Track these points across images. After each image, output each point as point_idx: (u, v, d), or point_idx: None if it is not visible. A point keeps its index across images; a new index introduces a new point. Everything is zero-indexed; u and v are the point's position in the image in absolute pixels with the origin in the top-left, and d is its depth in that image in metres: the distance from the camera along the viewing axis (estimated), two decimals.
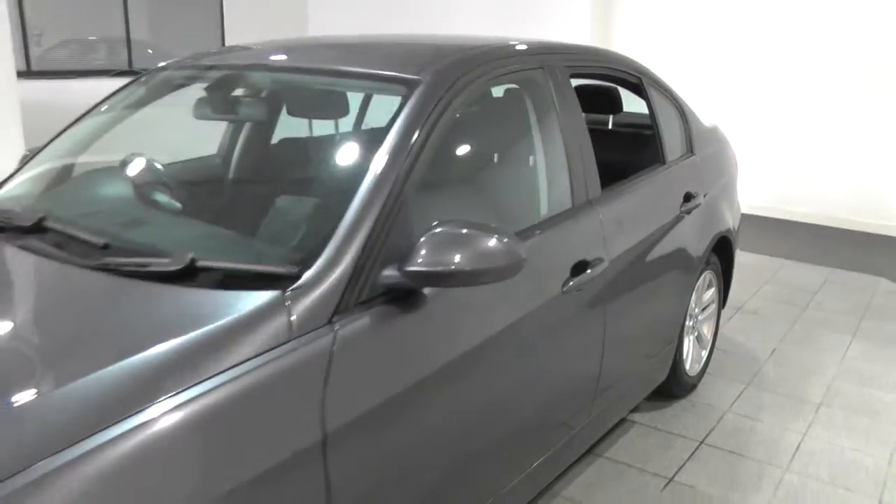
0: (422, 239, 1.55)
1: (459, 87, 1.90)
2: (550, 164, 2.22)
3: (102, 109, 2.52)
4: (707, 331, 3.40)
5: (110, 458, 1.13)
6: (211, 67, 2.38)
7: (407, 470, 1.59)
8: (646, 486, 2.64)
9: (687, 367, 3.19)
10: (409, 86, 1.85)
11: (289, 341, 1.39)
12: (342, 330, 1.46)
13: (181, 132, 2.74)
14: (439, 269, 1.52)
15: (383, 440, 1.50)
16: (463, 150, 1.96)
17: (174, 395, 1.24)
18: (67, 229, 1.80)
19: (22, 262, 1.70)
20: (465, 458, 1.80)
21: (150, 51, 8.68)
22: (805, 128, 6.34)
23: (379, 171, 1.64)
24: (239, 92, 2.18)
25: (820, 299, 4.58)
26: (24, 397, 1.21)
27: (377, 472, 1.50)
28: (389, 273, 1.55)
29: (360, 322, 1.50)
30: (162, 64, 2.63)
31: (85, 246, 1.71)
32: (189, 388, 1.26)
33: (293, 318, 1.41)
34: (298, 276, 1.48)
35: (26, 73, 7.42)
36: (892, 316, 4.33)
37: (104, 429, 1.16)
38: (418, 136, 1.73)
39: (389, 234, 1.59)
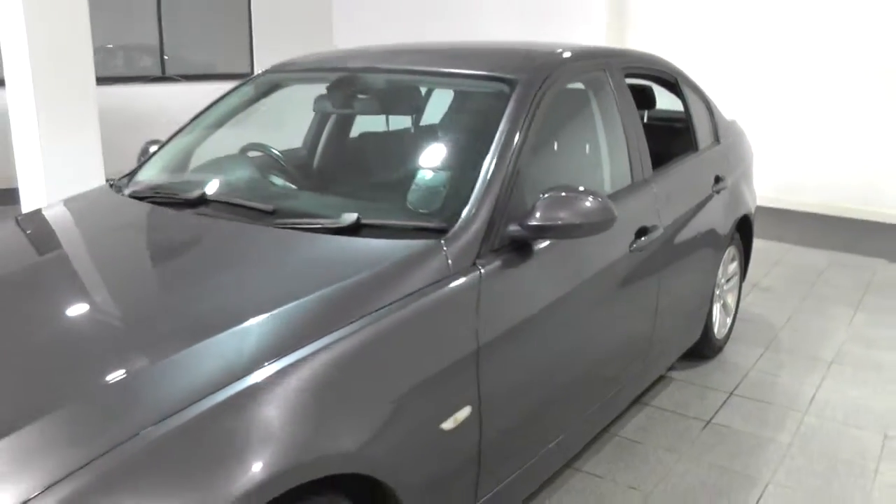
0: (537, 201, 1.99)
1: (547, 84, 2.35)
2: (613, 147, 2.67)
3: (217, 107, 2.95)
4: (731, 300, 3.85)
5: (322, 362, 1.51)
6: (319, 69, 2.83)
7: (525, 379, 2.03)
8: (689, 427, 3.09)
9: (716, 330, 3.64)
10: (510, 84, 2.30)
11: (448, 276, 1.82)
12: (484, 269, 1.90)
13: (287, 126, 3.18)
14: (552, 223, 1.95)
15: (511, 354, 1.94)
16: (551, 134, 2.40)
17: (368, 314, 1.65)
18: (233, 200, 2.23)
19: (209, 225, 2.13)
20: (558, 385, 2.24)
21: (167, 56, 9.08)
22: (807, 126, 6.82)
23: (499, 148, 2.08)
24: (360, 89, 2.62)
25: (826, 278, 5.04)
26: (256, 315, 1.60)
27: (508, 376, 1.94)
28: (513, 228, 1.99)
29: (495, 264, 1.93)
30: (270, 67, 3.07)
31: (255, 211, 2.14)
32: (378, 309, 1.68)
33: (449, 260, 1.85)
34: (447, 231, 1.92)
35: None
36: (891, 292, 4.79)
37: (315, 340, 1.55)
38: (524, 121, 2.18)
39: (510, 197, 2.03)
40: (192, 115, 3.01)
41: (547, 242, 2.10)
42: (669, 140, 3.48)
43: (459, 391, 1.77)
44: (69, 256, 2.10)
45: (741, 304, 4.32)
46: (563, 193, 1.98)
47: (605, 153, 2.65)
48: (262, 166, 2.71)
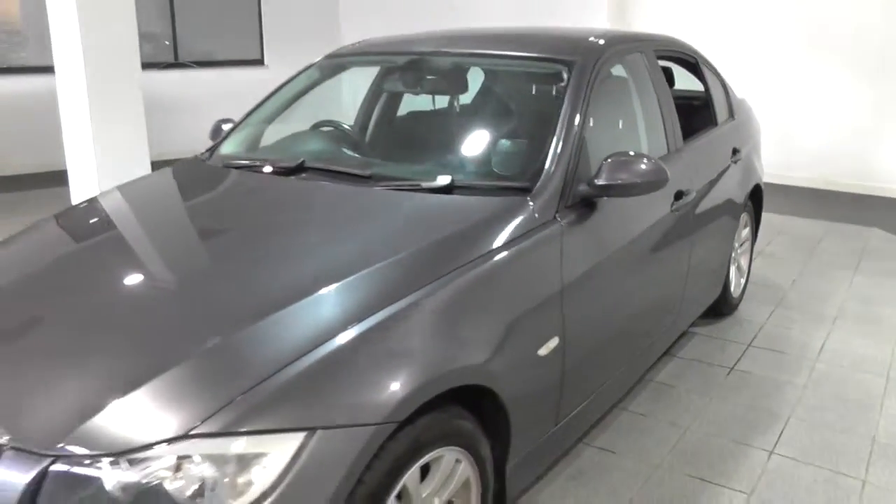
0: (602, 163, 2.31)
1: (599, 65, 2.67)
2: (651, 120, 3.00)
3: (285, 88, 3.24)
4: (744, 262, 4.21)
5: (446, 296, 1.83)
6: (386, 53, 3.14)
7: (595, 318, 2.37)
8: (715, 374, 3.44)
9: (732, 289, 3.99)
10: (569, 65, 2.62)
11: (535, 227, 2.15)
12: (562, 222, 2.22)
13: (348, 103, 3.48)
14: (615, 182, 2.28)
15: (586, 295, 2.28)
16: (602, 108, 2.71)
17: (478, 257, 1.98)
18: (331, 167, 2.54)
19: (319, 188, 2.44)
20: (617, 327, 2.58)
21: (167, 42, 9.26)
22: (798, 107, 7.20)
23: (566, 120, 2.41)
24: (431, 71, 2.93)
25: (824, 246, 5.42)
26: (389, 257, 1.91)
27: (584, 314, 2.28)
28: (582, 187, 2.31)
29: (570, 218, 2.26)
30: (333, 51, 3.36)
31: (353, 177, 2.45)
32: (484, 254, 2.00)
33: (536, 213, 2.17)
34: (530, 189, 2.24)
35: None
36: (885, 256, 5.18)
37: (439, 278, 1.86)
38: (583, 97, 2.50)
39: (577, 161, 2.35)
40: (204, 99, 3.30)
41: (608, 201, 2.43)
42: (690, 116, 3.81)
43: (550, 324, 2.10)
44: (207, 214, 2.42)
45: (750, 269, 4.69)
46: (624, 157, 2.31)
47: (645, 125, 2.98)
48: (340, 139, 3.02)
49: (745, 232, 4.15)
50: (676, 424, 2.99)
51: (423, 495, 1.76)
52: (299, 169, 2.57)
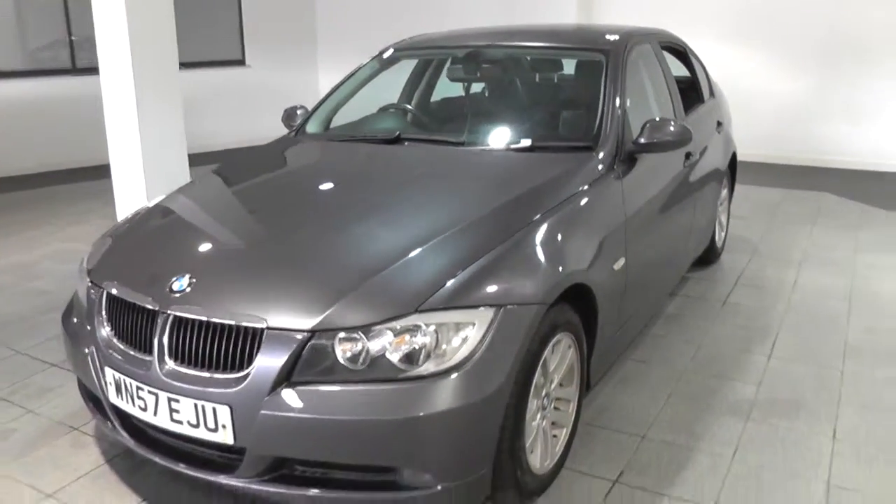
0: (643, 127, 2.99)
1: (626, 53, 3.36)
2: (662, 97, 3.71)
3: (353, 77, 3.84)
4: (724, 219, 4.98)
5: (556, 220, 2.48)
6: (439, 47, 3.78)
7: (644, 247, 3.05)
8: (712, 306, 4.18)
9: (717, 239, 4.76)
10: (605, 53, 3.30)
11: (601, 175, 2.82)
12: (619, 171, 2.90)
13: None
14: (655, 140, 2.96)
15: (639, 228, 2.95)
16: (630, 86, 3.39)
17: (571, 196, 2.64)
18: (427, 137, 3.19)
19: (425, 151, 3.10)
20: (655, 258, 3.27)
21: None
22: (750, 91, 8.09)
23: (611, 95, 3.08)
24: (489, 61, 3.59)
25: (784, 208, 6.28)
26: (508, 197, 2.58)
27: (638, 243, 2.95)
28: (629, 146, 2.99)
29: (623, 168, 2.94)
30: (391, 45, 3.96)
31: (448, 144, 3.10)
32: (575, 193, 2.66)
33: (600, 166, 2.84)
34: (593, 148, 2.91)
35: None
36: (837, 214, 6.06)
37: (549, 209, 2.52)
38: (619, 78, 3.18)
39: (624, 127, 3.03)
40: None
41: (644, 157, 3.11)
42: (683, 95, 4.55)
43: (618, 247, 2.77)
44: (346, 174, 3.03)
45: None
46: (659, 122, 2.99)
47: (657, 100, 3.68)
48: (415, 116, 3.67)
49: (724, 192, 4.92)
50: (691, 342, 3.71)
51: (551, 369, 2.40)
52: (398, 140, 3.18)
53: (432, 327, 1.99)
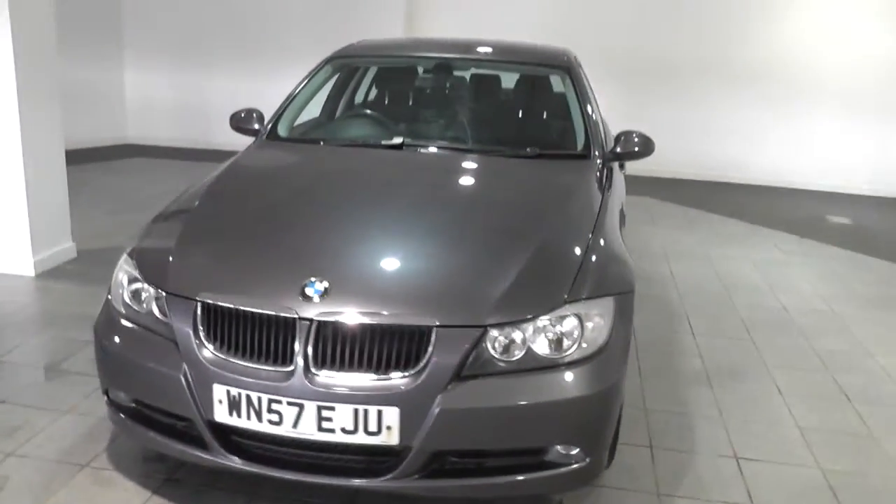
0: (617, 138, 3.39)
1: (579, 69, 3.76)
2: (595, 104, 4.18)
3: (306, 82, 3.80)
4: None
5: (608, 215, 2.79)
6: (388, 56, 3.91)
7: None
8: None
9: None
10: (566, 69, 3.67)
11: (596, 174, 3.16)
12: (605, 169, 3.26)
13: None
14: (627, 150, 3.36)
15: (609, 206, 3.31)
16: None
17: (595, 188, 2.96)
18: (433, 144, 3.33)
19: (438, 157, 3.26)
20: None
21: None
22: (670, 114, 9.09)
23: (586, 108, 3.46)
24: (454, 73, 3.77)
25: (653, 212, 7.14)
26: (579, 195, 2.82)
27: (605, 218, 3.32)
28: (608, 154, 3.37)
29: (606, 169, 3.30)
30: (336, 52, 3.96)
31: (453, 150, 3.27)
32: (597, 186, 2.99)
33: (596, 169, 3.19)
34: (587, 156, 3.25)
35: None
36: (668, 216, 7.03)
37: (600, 206, 2.81)
38: (587, 92, 3.57)
39: (605, 138, 3.41)
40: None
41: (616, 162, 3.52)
42: None
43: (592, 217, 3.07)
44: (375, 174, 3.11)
45: None
46: (629, 134, 3.38)
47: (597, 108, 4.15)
48: (384, 123, 3.76)
49: None
50: None
51: None
52: (399, 146, 3.29)
53: (576, 318, 2.16)
